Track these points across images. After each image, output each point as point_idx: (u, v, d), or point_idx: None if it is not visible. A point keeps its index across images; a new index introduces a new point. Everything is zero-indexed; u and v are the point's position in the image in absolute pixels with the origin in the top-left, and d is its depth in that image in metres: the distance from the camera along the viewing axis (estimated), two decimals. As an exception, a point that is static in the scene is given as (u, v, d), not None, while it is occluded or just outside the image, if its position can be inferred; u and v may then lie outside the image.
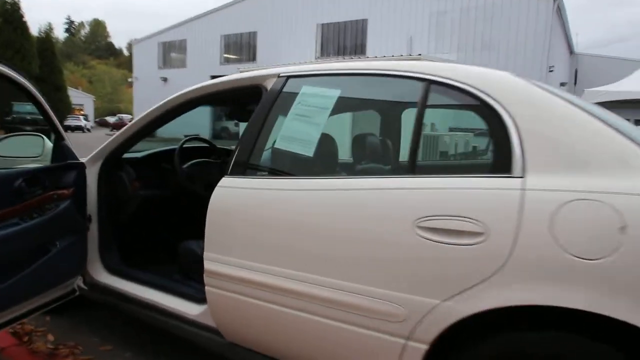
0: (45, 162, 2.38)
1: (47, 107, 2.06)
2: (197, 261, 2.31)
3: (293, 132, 1.78)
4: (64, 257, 2.16)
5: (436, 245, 1.33)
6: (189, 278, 2.33)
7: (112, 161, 2.49)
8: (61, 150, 2.19)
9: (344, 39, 20.90)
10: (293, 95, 1.86)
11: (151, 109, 2.36)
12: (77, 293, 2.40)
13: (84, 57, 78.96)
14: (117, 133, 2.47)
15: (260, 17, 22.73)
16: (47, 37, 33.64)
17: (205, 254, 1.85)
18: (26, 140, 2.65)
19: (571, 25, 21.18)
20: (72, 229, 2.20)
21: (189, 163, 2.62)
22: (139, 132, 2.41)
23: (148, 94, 26.58)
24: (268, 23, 22.48)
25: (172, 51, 27.25)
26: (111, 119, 38.83)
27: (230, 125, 22.39)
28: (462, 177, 1.39)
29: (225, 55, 24.78)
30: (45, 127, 2.27)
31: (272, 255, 1.65)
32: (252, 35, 23.46)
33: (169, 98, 2.29)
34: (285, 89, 1.88)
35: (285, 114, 1.84)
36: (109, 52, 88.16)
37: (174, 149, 2.70)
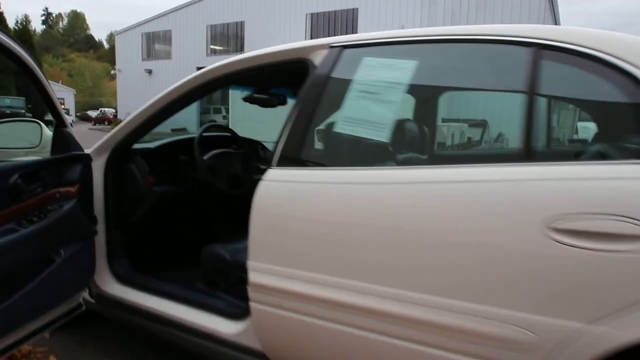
0: (44, 153, 2.01)
1: (46, 83, 1.70)
2: (226, 268, 1.98)
3: (359, 113, 1.46)
4: (70, 268, 1.80)
5: (579, 252, 1.03)
6: (216, 288, 2.00)
7: (121, 153, 2.14)
8: (63, 139, 1.82)
9: (334, 28, 20.47)
10: (352, 68, 1.53)
11: (165, 91, 2.01)
12: (84, 308, 2.05)
13: (62, 50, 76.92)
14: (126, 120, 2.12)
15: (248, 7, 22.15)
16: (24, 29, 32.43)
17: (251, 264, 1.52)
18: (21, 127, 2.26)
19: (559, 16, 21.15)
20: (78, 234, 1.85)
21: (210, 154, 2.28)
22: (152, 119, 2.06)
23: (132, 86, 25.91)
24: (256, 12, 21.93)
25: (156, 42, 26.45)
26: (93, 113, 37.71)
27: (219, 118, 21.88)
28: (603, 165, 1.09)
29: (212, 47, 24.16)
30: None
31: (344, 266, 1.32)
32: (240, 25, 22.87)
33: (187, 78, 1.94)
34: (340, 62, 1.56)
35: (343, 91, 1.52)
36: (89, 44, 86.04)
37: (191, 138, 2.35)
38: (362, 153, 1.51)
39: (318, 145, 1.55)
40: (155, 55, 26.59)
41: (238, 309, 1.72)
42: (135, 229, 2.26)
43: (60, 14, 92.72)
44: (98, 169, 2.09)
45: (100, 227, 2.10)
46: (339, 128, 1.48)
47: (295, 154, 1.51)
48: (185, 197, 2.40)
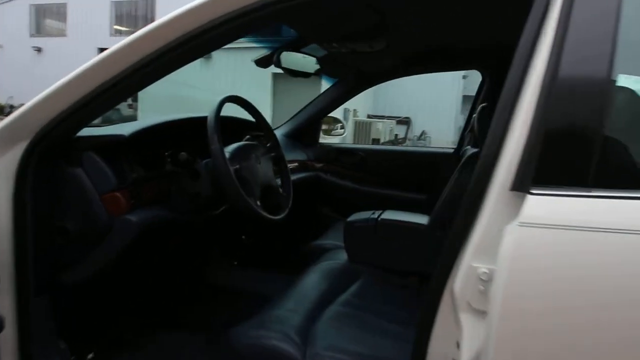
0: None
1: None
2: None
3: None
4: None
5: None
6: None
7: (53, 146, 1.07)
8: None
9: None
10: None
11: (154, 25, 1.01)
12: None
13: None
14: (61, 82, 1.05)
15: (160, -17, 20.17)
16: None
17: None
18: None
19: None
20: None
21: (231, 149, 1.26)
22: (125, 79, 1.03)
23: (17, 65, 22.53)
24: (169, -9, 20.03)
25: (48, 17, 23.16)
26: (-36, 96, 32.30)
27: (123, 106, 19.60)
28: None
29: (116, 27, 21.69)
30: None
31: None
32: (150, 4, 20.75)
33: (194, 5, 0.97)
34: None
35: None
36: (-40, 16, 74.91)
37: (194, 120, 1.32)
38: None
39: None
40: (47, 32, 23.33)
41: None
42: (81, 293, 1.19)
43: None
44: (2, 176, 1.01)
45: (5, 296, 1.02)
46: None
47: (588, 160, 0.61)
48: (185, 229, 1.34)
